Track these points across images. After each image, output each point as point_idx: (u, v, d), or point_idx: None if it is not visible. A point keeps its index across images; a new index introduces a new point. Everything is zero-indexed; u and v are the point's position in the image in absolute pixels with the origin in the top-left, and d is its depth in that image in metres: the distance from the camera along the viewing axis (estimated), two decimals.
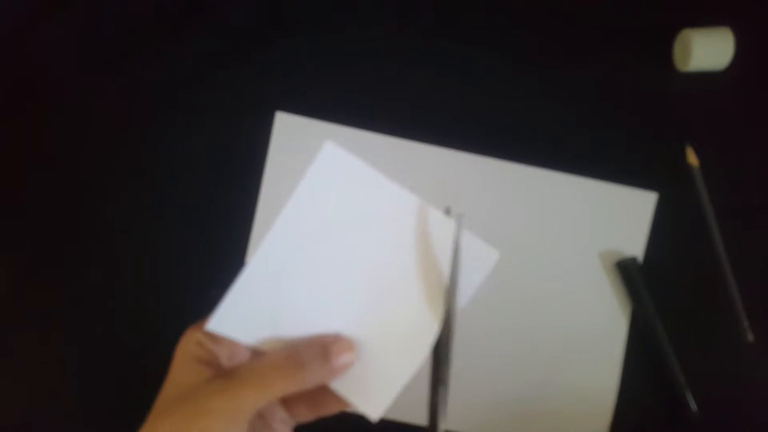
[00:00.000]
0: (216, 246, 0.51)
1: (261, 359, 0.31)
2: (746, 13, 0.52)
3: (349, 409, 0.33)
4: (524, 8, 0.53)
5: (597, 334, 0.51)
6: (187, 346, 0.32)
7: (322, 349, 0.31)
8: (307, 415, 0.35)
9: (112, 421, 0.50)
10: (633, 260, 0.50)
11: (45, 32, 0.52)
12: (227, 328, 0.32)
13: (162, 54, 0.52)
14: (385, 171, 0.52)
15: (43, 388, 0.50)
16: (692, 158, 0.51)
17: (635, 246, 0.51)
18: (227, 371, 0.31)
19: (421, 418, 0.35)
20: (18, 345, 0.50)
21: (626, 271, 0.50)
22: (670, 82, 0.52)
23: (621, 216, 0.51)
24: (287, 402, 0.35)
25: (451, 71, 0.52)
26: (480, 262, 0.33)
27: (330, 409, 0.34)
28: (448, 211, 0.33)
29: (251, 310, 0.32)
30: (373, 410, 0.32)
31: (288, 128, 0.51)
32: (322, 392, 0.33)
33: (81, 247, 0.51)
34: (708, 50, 0.50)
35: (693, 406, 0.49)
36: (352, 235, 0.33)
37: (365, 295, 0.33)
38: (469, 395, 0.50)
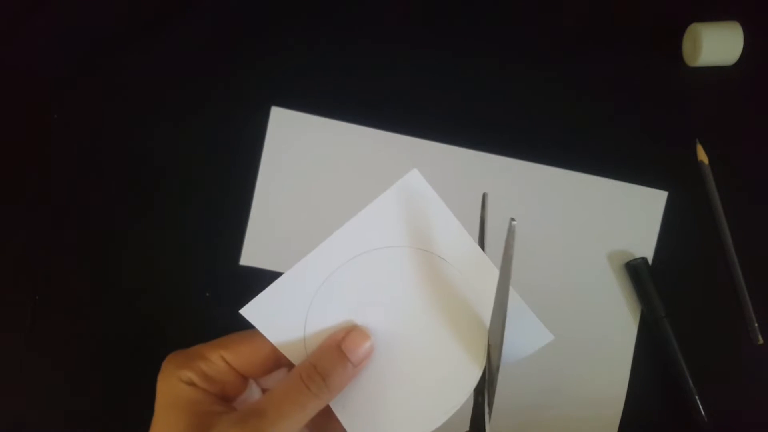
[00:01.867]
0: (211, 241, 0.50)
1: (281, 385, 0.29)
2: (755, 7, 0.52)
3: None
4: (531, 5, 0.52)
5: (606, 337, 0.50)
6: (175, 386, 0.29)
7: (337, 349, 0.29)
8: None
9: (106, 421, 0.49)
10: (642, 261, 0.49)
11: (36, 28, 0.52)
12: (259, 317, 0.30)
13: (156, 48, 0.52)
14: (385, 168, 0.52)
15: (35, 390, 0.50)
16: (702, 155, 0.50)
17: (645, 246, 0.50)
18: (245, 411, 0.28)
19: None
20: (10, 345, 0.50)
21: (635, 272, 0.49)
22: (679, 77, 0.52)
23: (630, 215, 0.50)
24: None
25: (452, 67, 0.52)
26: (530, 339, 0.32)
27: (332, 430, 0.32)
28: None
29: (287, 310, 0.31)
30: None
31: (283, 123, 0.50)
32: (327, 414, 0.31)
33: (73, 245, 0.51)
34: (717, 45, 0.49)
35: (702, 410, 0.48)
36: (404, 266, 0.31)
37: (403, 329, 0.31)
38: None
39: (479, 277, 0.32)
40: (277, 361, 0.31)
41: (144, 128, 0.51)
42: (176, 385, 0.29)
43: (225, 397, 0.31)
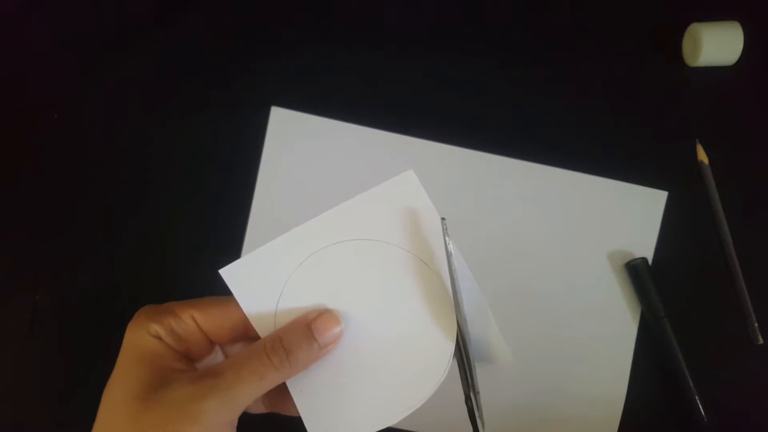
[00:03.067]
0: (211, 241, 0.50)
1: (244, 352, 0.29)
2: (755, 7, 0.52)
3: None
4: (531, 5, 0.52)
5: (605, 337, 0.50)
6: (141, 337, 0.29)
7: (306, 327, 0.29)
8: (262, 409, 0.33)
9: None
10: (642, 261, 0.49)
11: (36, 28, 0.52)
12: (236, 281, 0.30)
13: (156, 48, 0.51)
14: (385, 168, 0.51)
15: (35, 390, 0.50)
16: (702, 155, 0.50)
17: (645, 246, 0.50)
18: (203, 371, 0.29)
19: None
20: (7, 341, 0.50)
21: (635, 271, 0.49)
22: (679, 77, 0.52)
23: (630, 215, 0.50)
24: None
25: (452, 67, 0.52)
26: (493, 356, 0.32)
27: (287, 410, 0.32)
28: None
29: (264, 281, 0.31)
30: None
31: (283, 123, 0.50)
32: (284, 393, 0.31)
33: (73, 245, 0.50)
34: (717, 45, 0.49)
35: (702, 411, 0.48)
36: (384, 262, 0.31)
37: (374, 323, 0.31)
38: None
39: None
40: (245, 331, 0.31)
41: (144, 128, 0.51)
42: (142, 337, 0.29)
43: (189, 357, 0.31)
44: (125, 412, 0.27)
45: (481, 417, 0.30)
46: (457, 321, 0.30)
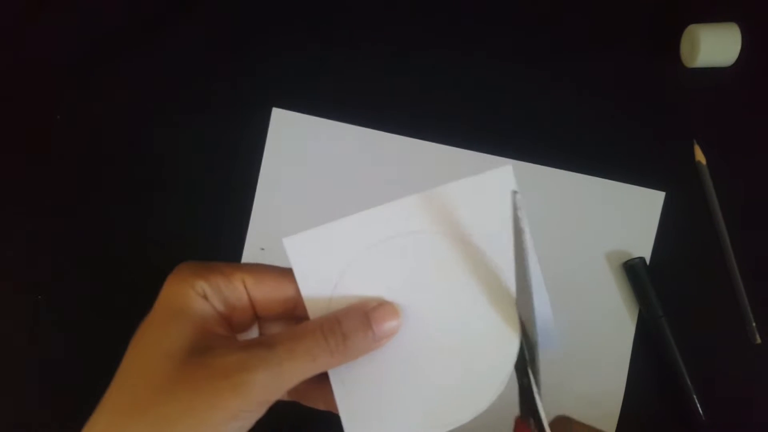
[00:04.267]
0: (212, 242, 0.50)
1: (297, 329, 0.26)
2: (753, 8, 0.52)
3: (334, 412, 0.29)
4: (529, 5, 0.52)
5: (603, 337, 0.50)
6: (186, 294, 0.26)
7: (364, 316, 0.27)
8: (284, 396, 0.30)
9: None
10: (640, 261, 0.49)
11: (40, 28, 0.52)
12: (297, 254, 0.28)
13: (157, 49, 0.51)
14: (386, 170, 0.52)
15: (36, 390, 0.50)
16: (700, 155, 0.50)
17: (642, 246, 0.50)
18: (252, 341, 0.26)
19: None
20: (11, 345, 0.50)
21: (633, 271, 0.49)
22: (677, 78, 0.52)
23: (628, 215, 0.50)
24: None
25: (452, 68, 0.52)
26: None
27: (314, 402, 0.30)
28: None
29: (326, 260, 0.28)
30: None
31: (284, 124, 0.50)
32: (316, 384, 0.28)
33: (74, 245, 0.50)
34: (715, 46, 0.49)
35: (700, 410, 0.48)
36: (451, 262, 0.29)
37: (433, 326, 0.28)
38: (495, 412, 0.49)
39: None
40: (294, 309, 0.29)
41: (145, 129, 0.51)
42: (187, 293, 0.27)
43: (230, 325, 0.28)
44: (160, 370, 0.25)
45: (539, 394, 0.28)
46: (520, 317, 0.28)
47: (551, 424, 0.31)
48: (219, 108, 0.51)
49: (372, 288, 0.28)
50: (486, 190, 0.28)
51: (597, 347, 0.50)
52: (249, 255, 0.49)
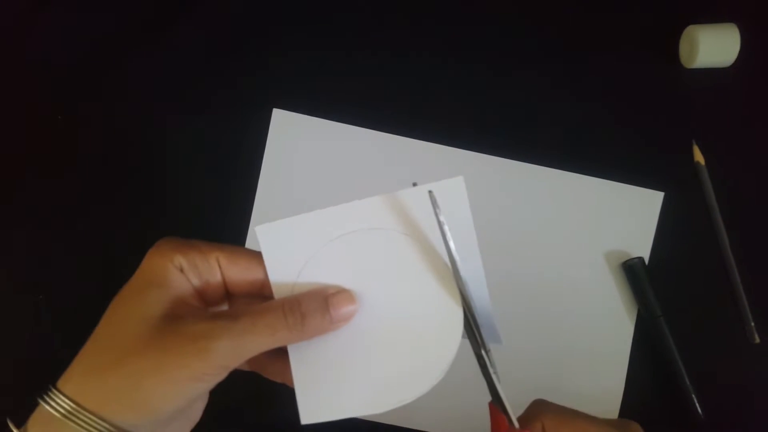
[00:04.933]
0: (213, 241, 0.49)
1: (261, 305, 0.29)
2: (752, 9, 0.52)
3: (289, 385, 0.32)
4: (528, 6, 0.52)
5: (602, 337, 0.50)
6: (163, 266, 0.29)
7: (324, 300, 0.29)
8: (243, 366, 0.32)
9: None
10: (639, 261, 0.49)
11: (40, 28, 0.52)
12: (267, 242, 0.30)
13: (158, 50, 0.52)
14: (386, 170, 0.52)
15: (36, 390, 0.49)
16: (698, 156, 0.50)
17: (641, 246, 0.50)
18: (219, 312, 0.29)
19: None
20: (12, 345, 0.50)
21: (632, 271, 0.49)
22: (676, 78, 0.52)
23: (627, 215, 0.51)
24: None
25: (452, 69, 0.52)
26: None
27: (272, 375, 0.32)
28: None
29: (293, 248, 0.31)
30: (310, 415, 0.30)
31: (285, 125, 0.51)
32: (273, 356, 0.31)
33: (74, 245, 0.50)
34: (714, 47, 0.49)
35: (699, 409, 0.49)
36: (408, 257, 0.31)
37: (385, 314, 0.31)
38: (471, 400, 0.49)
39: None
40: (261, 290, 0.31)
41: (145, 130, 0.51)
42: (164, 265, 0.29)
43: (202, 299, 0.31)
44: (135, 331, 0.28)
45: (496, 373, 0.30)
46: (459, 288, 0.30)
47: (529, 408, 0.34)
48: (219, 108, 0.51)
49: (333, 276, 0.31)
50: (439, 196, 0.30)
51: (596, 347, 0.50)
52: None
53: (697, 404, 0.49)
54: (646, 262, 0.50)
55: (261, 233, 0.31)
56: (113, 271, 0.50)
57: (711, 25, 0.49)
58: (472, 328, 0.31)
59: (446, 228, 0.29)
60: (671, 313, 0.49)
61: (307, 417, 0.30)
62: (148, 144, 0.51)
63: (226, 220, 0.50)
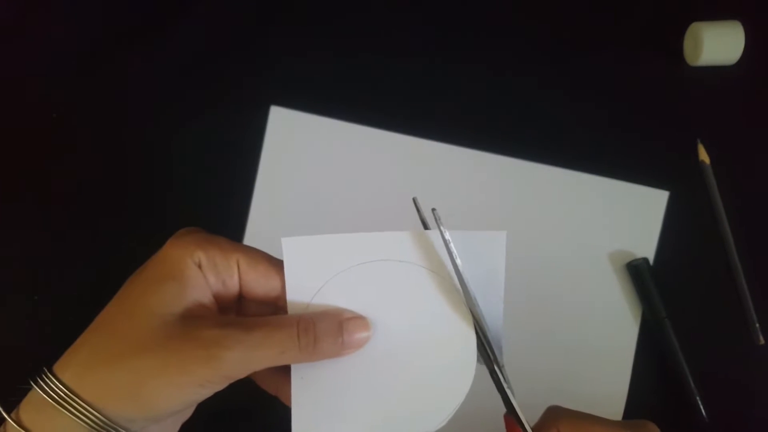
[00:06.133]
0: None
1: (275, 319, 0.29)
2: (756, 6, 0.52)
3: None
4: (531, 5, 0.52)
5: (607, 337, 0.50)
6: (183, 261, 0.28)
7: (338, 324, 0.29)
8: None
9: None
10: (643, 261, 0.49)
11: (36, 28, 0.52)
12: (292, 254, 0.30)
13: (156, 48, 0.51)
14: (385, 168, 0.51)
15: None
16: (703, 155, 0.50)
17: (646, 246, 0.50)
18: (232, 319, 0.29)
19: None
20: (11, 345, 0.49)
21: (636, 272, 0.49)
22: (680, 76, 0.51)
23: (631, 215, 0.50)
24: None
25: (452, 67, 0.52)
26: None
27: (267, 387, 0.32)
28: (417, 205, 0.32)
29: (315, 267, 0.31)
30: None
31: (283, 122, 0.50)
32: (281, 374, 0.31)
33: (73, 245, 0.50)
34: (718, 44, 0.49)
35: (703, 411, 0.48)
36: (426, 293, 0.31)
37: (401, 341, 0.31)
38: (473, 402, 0.48)
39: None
40: (274, 299, 0.31)
41: (143, 128, 0.51)
42: (184, 260, 0.28)
43: (215, 298, 0.30)
44: (144, 325, 0.27)
45: (510, 387, 0.31)
46: (470, 308, 0.30)
47: (544, 415, 0.34)
48: (217, 106, 0.51)
49: (350, 301, 0.31)
50: (476, 244, 0.31)
51: (600, 348, 0.50)
52: None
53: (701, 406, 0.48)
54: (651, 262, 0.49)
55: (287, 245, 0.30)
56: (113, 271, 0.50)
57: (715, 23, 0.49)
58: (484, 345, 0.31)
59: (452, 245, 0.30)
60: (676, 314, 0.49)
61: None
62: (145, 142, 0.51)
63: (223, 217, 0.50)
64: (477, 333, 0.31)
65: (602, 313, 0.50)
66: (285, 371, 0.30)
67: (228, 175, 0.50)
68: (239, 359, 0.27)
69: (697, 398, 0.48)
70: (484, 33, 0.52)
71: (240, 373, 0.27)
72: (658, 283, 0.49)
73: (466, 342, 0.31)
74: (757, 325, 0.49)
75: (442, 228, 0.30)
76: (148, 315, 0.27)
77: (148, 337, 0.27)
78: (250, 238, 0.50)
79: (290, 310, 0.30)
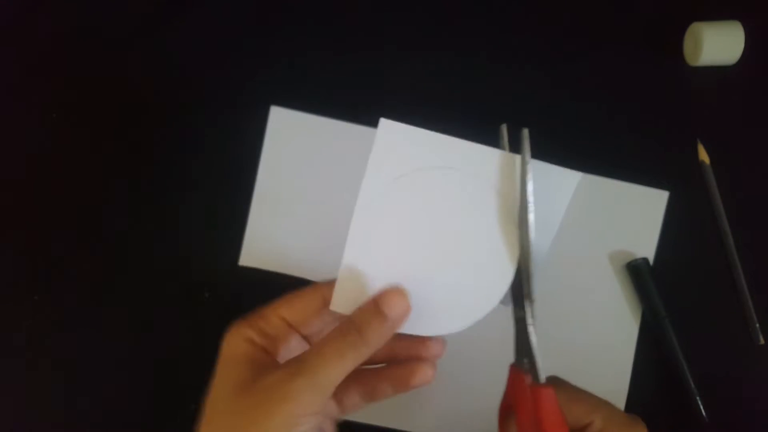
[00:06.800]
0: (210, 241, 0.50)
1: (324, 336, 0.31)
2: (756, 6, 0.52)
3: (403, 392, 0.34)
4: (531, 4, 0.52)
5: (607, 337, 0.50)
6: (236, 343, 0.33)
7: (373, 304, 0.31)
8: (359, 403, 0.36)
9: (106, 422, 0.49)
10: (643, 261, 0.49)
11: (35, 27, 0.52)
12: (384, 135, 0.33)
13: (155, 47, 0.52)
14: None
15: (36, 390, 0.50)
16: (703, 155, 0.50)
17: (646, 246, 0.50)
18: (290, 361, 0.31)
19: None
20: (10, 345, 0.50)
21: (636, 272, 0.49)
22: (680, 76, 0.51)
23: (631, 215, 0.50)
24: (340, 392, 0.35)
25: (452, 67, 0.52)
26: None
27: (383, 393, 0.35)
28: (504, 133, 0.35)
29: (400, 154, 0.33)
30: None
31: (282, 122, 0.50)
32: (376, 375, 0.34)
33: (73, 245, 0.50)
34: (718, 44, 0.49)
35: (703, 411, 0.48)
36: (426, 194, 0.34)
37: (440, 243, 0.33)
38: (473, 401, 0.48)
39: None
40: (323, 312, 0.34)
41: (143, 128, 0.51)
42: (237, 344, 0.33)
43: (275, 351, 0.34)
44: (223, 405, 0.31)
45: (533, 324, 0.32)
46: (521, 235, 0.32)
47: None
48: (217, 106, 0.51)
49: (414, 198, 0.33)
50: (550, 178, 0.34)
51: (600, 348, 0.49)
52: (247, 253, 0.49)
53: (701, 406, 0.48)
54: (651, 262, 0.49)
55: (382, 126, 0.33)
56: (113, 271, 0.50)
57: (715, 23, 0.49)
58: (521, 278, 0.33)
59: (529, 167, 0.32)
60: (676, 314, 0.49)
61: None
62: (145, 142, 0.51)
63: (223, 217, 0.50)
64: (519, 264, 0.32)
65: (602, 312, 0.50)
66: (355, 381, 0.34)
67: (227, 176, 0.50)
68: (307, 384, 0.30)
69: (697, 398, 0.48)
70: (484, 33, 0.52)
71: (317, 396, 0.30)
72: (658, 283, 0.48)
73: (504, 270, 0.33)
74: (757, 325, 0.49)
75: (527, 147, 0.32)
76: (227, 396, 0.31)
77: (233, 403, 0.31)
78: (250, 238, 0.50)
79: (362, 197, 0.34)
